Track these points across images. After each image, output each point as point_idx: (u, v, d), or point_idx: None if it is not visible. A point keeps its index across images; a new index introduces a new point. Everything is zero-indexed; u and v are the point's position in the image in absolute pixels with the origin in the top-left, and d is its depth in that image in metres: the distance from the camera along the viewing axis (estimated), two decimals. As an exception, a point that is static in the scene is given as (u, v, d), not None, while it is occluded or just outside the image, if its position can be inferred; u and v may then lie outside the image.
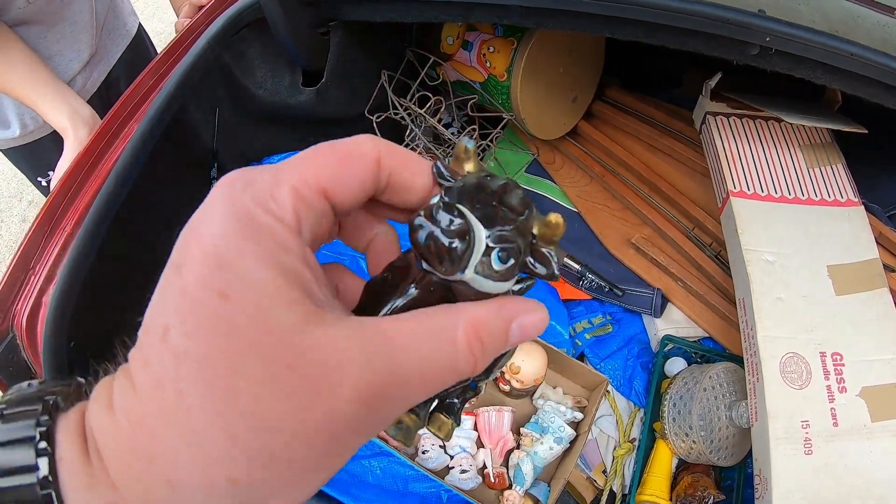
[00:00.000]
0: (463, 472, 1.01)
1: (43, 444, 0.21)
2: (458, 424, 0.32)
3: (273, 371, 0.20)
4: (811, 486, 0.93)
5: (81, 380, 0.24)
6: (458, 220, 0.24)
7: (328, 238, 0.28)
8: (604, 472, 1.08)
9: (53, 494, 0.20)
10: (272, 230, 0.22)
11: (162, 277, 0.22)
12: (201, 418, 0.20)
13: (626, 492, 1.07)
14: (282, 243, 0.22)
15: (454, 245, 0.24)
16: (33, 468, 0.20)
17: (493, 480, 1.02)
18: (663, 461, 1.05)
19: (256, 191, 0.23)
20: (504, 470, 1.04)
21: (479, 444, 1.06)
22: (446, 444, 1.04)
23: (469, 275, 0.25)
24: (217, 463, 0.20)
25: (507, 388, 1.05)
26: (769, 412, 0.96)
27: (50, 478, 0.20)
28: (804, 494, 0.92)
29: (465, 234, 0.24)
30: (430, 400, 0.28)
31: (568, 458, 1.03)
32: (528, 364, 1.00)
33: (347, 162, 0.25)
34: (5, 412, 0.21)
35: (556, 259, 0.27)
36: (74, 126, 1.13)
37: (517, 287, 0.28)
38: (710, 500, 0.99)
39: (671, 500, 1.02)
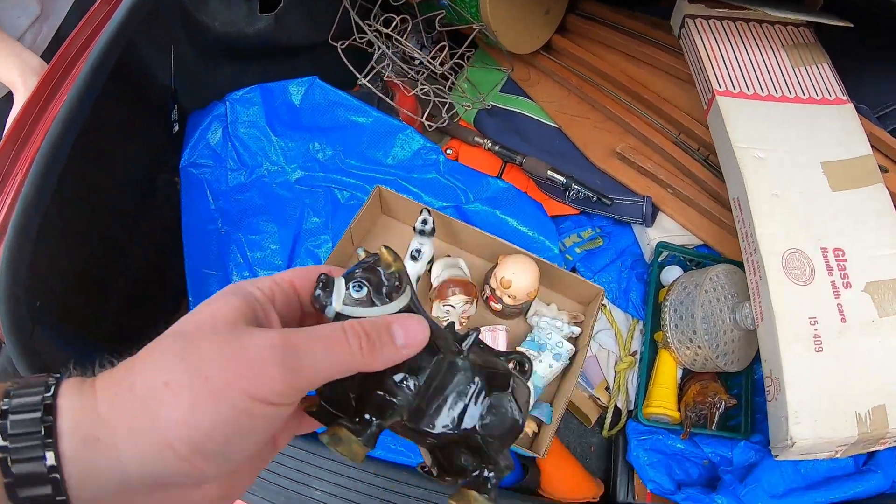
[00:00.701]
0: None
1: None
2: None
3: (216, 353, 0.28)
4: (825, 384, 0.86)
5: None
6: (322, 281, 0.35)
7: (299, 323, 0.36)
8: (606, 388, 0.98)
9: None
10: (249, 292, 0.32)
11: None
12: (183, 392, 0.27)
13: (632, 407, 0.96)
14: (251, 297, 0.32)
15: (318, 293, 0.34)
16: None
17: None
18: (668, 372, 0.95)
19: (250, 282, 0.33)
20: (503, 393, 0.95)
21: None
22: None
23: (338, 307, 0.33)
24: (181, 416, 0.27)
25: (498, 306, 0.93)
26: (776, 310, 0.88)
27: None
28: (818, 393, 0.85)
29: (327, 285, 0.34)
30: (370, 421, 0.33)
31: (569, 375, 0.92)
32: (519, 277, 0.88)
33: (308, 273, 0.35)
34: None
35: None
36: (24, 77, 1.00)
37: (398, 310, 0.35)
38: (721, 406, 0.89)
39: (679, 410, 0.94)
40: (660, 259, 1.01)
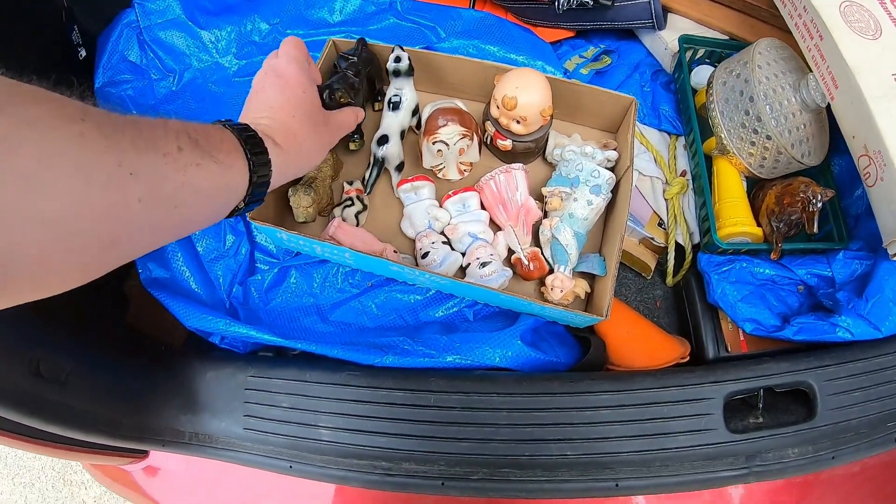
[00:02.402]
0: (483, 265, 0.58)
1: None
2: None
3: (323, 123, 0.52)
4: None
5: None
6: None
7: None
8: (659, 224, 0.67)
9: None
10: (312, 79, 0.52)
11: (271, 87, 0.49)
12: (308, 129, 0.49)
13: (697, 239, 0.66)
14: (314, 81, 0.53)
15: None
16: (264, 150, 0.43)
17: (527, 267, 0.60)
18: (733, 183, 0.65)
19: (299, 64, 0.51)
20: (537, 249, 0.61)
21: (495, 227, 0.64)
22: (451, 236, 0.62)
23: None
24: (312, 138, 0.50)
25: (507, 143, 0.62)
26: (853, 68, 0.61)
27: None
28: None
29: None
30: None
31: (615, 211, 0.62)
32: (526, 91, 0.57)
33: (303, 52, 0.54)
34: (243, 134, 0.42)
35: None
36: None
37: None
38: (818, 200, 0.58)
39: (760, 225, 0.63)
40: (686, 59, 0.71)
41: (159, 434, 0.61)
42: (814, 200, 0.58)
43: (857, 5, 0.64)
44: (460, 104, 0.67)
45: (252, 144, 0.41)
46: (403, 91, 0.64)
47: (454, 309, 0.63)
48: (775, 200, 0.61)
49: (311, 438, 0.57)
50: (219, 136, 0.39)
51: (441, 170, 0.64)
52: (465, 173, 0.64)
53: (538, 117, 0.60)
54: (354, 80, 0.61)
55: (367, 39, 0.72)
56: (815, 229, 0.58)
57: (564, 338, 0.62)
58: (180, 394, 0.62)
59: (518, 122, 0.60)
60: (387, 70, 0.64)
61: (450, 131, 0.58)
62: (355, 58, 0.63)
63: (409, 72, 0.64)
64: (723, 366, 0.56)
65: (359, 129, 0.66)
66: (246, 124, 0.43)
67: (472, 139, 0.60)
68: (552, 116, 0.62)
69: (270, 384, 0.59)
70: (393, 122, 0.63)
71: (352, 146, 0.67)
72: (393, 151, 0.63)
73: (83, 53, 0.78)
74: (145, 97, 0.75)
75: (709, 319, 0.63)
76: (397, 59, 0.64)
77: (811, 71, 0.62)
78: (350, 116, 0.56)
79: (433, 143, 0.59)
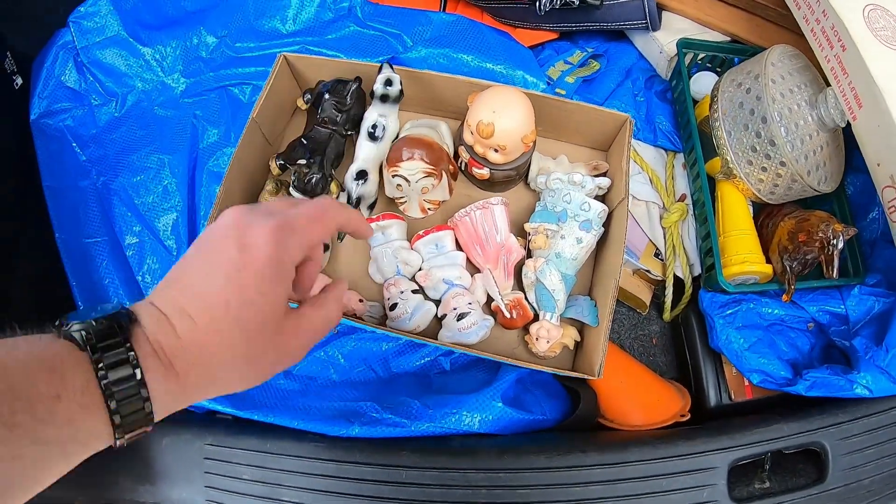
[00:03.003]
0: (461, 316, 0.50)
1: (134, 361, 0.26)
2: None
3: (271, 341, 0.31)
4: None
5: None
6: None
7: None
8: (656, 255, 0.59)
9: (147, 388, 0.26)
10: (289, 272, 0.32)
11: (217, 263, 0.30)
12: (240, 351, 0.30)
13: (697, 272, 0.57)
14: (290, 277, 0.32)
15: None
16: (134, 377, 0.26)
17: (508, 315, 0.52)
18: (739, 212, 0.55)
19: (286, 245, 0.31)
20: (520, 294, 0.53)
21: (473, 268, 0.55)
22: (423, 284, 0.53)
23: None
24: (242, 367, 0.30)
25: (485, 171, 0.53)
26: (880, 84, 0.51)
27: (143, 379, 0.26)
28: None
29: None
30: None
31: (608, 248, 0.53)
32: (503, 115, 0.48)
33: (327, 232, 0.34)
34: (98, 345, 0.26)
35: None
36: None
37: None
38: (840, 241, 0.49)
39: (770, 262, 0.54)
40: (686, 64, 0.60)
41: (118, 508, 0.55)
42: (834, 241, 0.49)
43: (881, 9, 0.53)
44: (444, 128, 0.57)
45: (118, 381, 0.25)
46: (388, 119, 0.54)
47: (428, 358, 0.55)
48: (788, 237, 0.52)
49: (276, 512, 0.50)
50: (54, 386, 0.24)
51: (402, 203, 0.55)
52: (430, 212, 0.55)
53: (519, 144, 0.51)
54: (336, 142, 0.54)
55: (326, 53, 0.62)
56: (835, 274, 0.49)
57: (551, 387, 0.55)
58: (137, 463, 0.55)
59: (496, 150, 0.51)
60: (372, 93, 0.54)
61: (411, 168, 0.49)
62: (348, 97, 0.55)
63: (399, 97, 0.54)
64: (727, 426, 0.49)
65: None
66: (121, 326, 0.27)
67: (438, 178, 0.50)
68: (535, 140, 0.53)
69: (231, 453, 0.51)
70: (371, 154, 0.54)
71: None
72: (371, 189, 0.54)
73: (19, 82, 0.68)
74: (86, 126, 0.66)
75: (710, 363, 0.55)
76: (388, 83, 0.54)
77: (828, 85, 0.52)
78: (320, 324, 0.34)
79: (392, 175, 0.50)
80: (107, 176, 0.63)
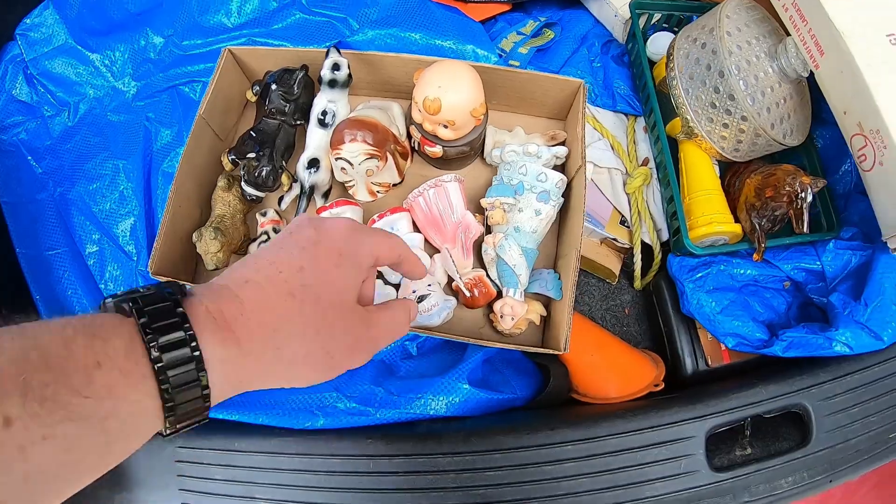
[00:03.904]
0: (421, 299, 0.47)
1: (186, 323, 0.22)
2: None
3: (342, 339, 0.27)
4: None
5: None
6: None
7: None
8: (622, 222, 0.55)
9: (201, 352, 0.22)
10: (361, 263, 0.29)
11: (291, 240, 0.27)
12: (311, 319, 0.26)
13: (666, 236, 0.54)
14: (361, 269, 0.29)
15: None
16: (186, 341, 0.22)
17: (469, 294, 0.48)
18: (704, 171, 0.52)
19: (359, 240, 0.29)
20: (481, 272, 0.49)
21: (432, 249, 0.52)
22: (381, 268, 0.54)
23: None
24: (312, 344, 0.26)
25: (437, 149, 0.49)
26: (841, 29, 0.47)
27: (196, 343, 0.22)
28: None
29: None
30: None
31: (569, 221, 0.50)
32: (450, 89, 0.44)
33: (392, 254, 0.31)
34: (145, 308, 0.22)
35: None
36: None
37: None
38: (807, 192, 0.46)
39: (739, 221, 0.51)
40: (640, 26, 0.56)
41: (97, 517, 0.52)
42: (802, 194, 0.46)
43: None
44: (396, 109, 0.54)
45: (168, 344, 0.22)
46: (337, 104, 0.51)
47: (393, 345, 0.52)
48: (755, 194, 0.49)
49: (250, 511, 0.47)
50: (94, 352, 0.20)
51: (351, 187, 0.51)
52: (379, 195, 0.52)
53: (468, 119, 0.47)
54: (285, 133, 0.51)
55: (272, 43, 0.58)
56: (805, 228, 0.45)
57: (521, 365, 0.51)
58: (113, 471, 0.52)
59: (445, 126, 0.48)
60: (320, 78, 0.51)
61: (353, 150, 0.46)
62: (295, 86, 0.52)
63: (348, 82, 0.51)
64: (703, 392, 0.45)
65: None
66: (170, 293, 0.23)
67: (382, 160, 0.47)
68: (487, 113, 0.49)
69: (201, 455, 0.49)
70: (323, 142, 0.51)
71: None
72: (324, 178, 0.51)
73: (-30, 100, 0.65)
74: (40, 139, 0.63)
75: (684, 330, 0.52)
76: (335, 67, 0.51)
77: (788, 34, 0.48)
78: (392, 323, 0.31)
79: (336, 160, 0.47)
80: (63, 186, 0.61)
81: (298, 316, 0.25)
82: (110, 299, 0.23)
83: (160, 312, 0.22)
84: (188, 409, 0.22)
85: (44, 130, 0.63)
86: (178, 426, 0.23)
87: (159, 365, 0.21)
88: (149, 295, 0.23)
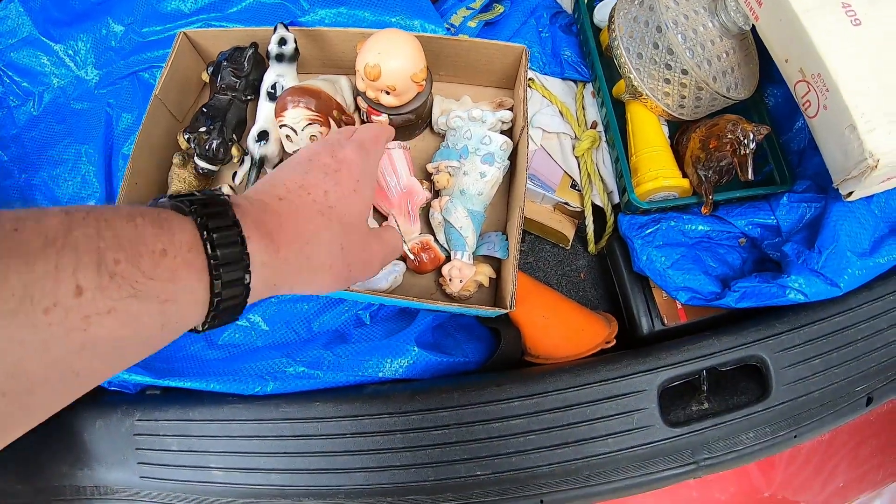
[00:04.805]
0: None
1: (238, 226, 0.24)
2: None
3: (359, 253, 0.31)
4: (884, 69, 0.45)
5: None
6: None
7: None
8: (573, 186, 0.54)
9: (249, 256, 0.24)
10: (374, 182, 0.33)
11: (313, 165, 0.30)
12: (337, 236, 0.29)
13: (617, 198, 0.53)
14: (374, 188, 0.33)
15: None
16: (238, 241, 0.23)
17: (413, 258, 0.48)
18: (650, 129, 0.51)
19: (368, 159, 0.32)
20: (429, 237, 0.48)
21: (381, 217, 0.51)
22: None
23: None
24: (336, 257, 0.29)
25: (382, 117, 0.48)
26: None
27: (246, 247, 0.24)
28: (882, 82, 0.45)
29: None
30: None
31: (515, 180, 0.49)
32: (389, 58, 0.44)
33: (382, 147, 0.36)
34: (203, 210, 0.23)
35: None
36: None
37: None
38: (750, 140, 0.44)
39: (687, 176, 0.50)
40: None
41: (60, 494, 0.51)
42: (745, 141, 0.44)
43: None
44: (343, 82, 0.53)
45: (223, 243, 0.23)
46: (285, 78, 0.51)
47: (348, 314, 0.50)
48: (700, 145, 0.47)
49: (204, 481, 0.46)
50: (161, 240, 0.21)
51: (294, 149, 0.51)
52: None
53: (409, 84, 0.46)
54: (236, 108, 0.51)
55: (227, 26, 0.58)
56: (750, 175, 0.44)
57: (474, 330, 0.50)
58: (73, 447, 0.51)
59: (387, 92, 0.47)
60: (267, 53, 0.51)
61: (295, 115, 0.45)
62: (245, 63, 0.52)
63: (295, 56, 0.51)
64: (655, 348, 0.43)
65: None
66: (223, 199, 0.25)
67: (325, 126, 0.46)
68: (429, 80, 0.48)
69: (158, 426, 0.47)
70: (272, 115, 0.50)
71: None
72: (273, 150, 0.50)
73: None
74: (6, 128, 0.62)
75: (639, 290, 0.50)
76: (282, 42, 0.51)
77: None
78: (395, 242, 0.35)
79: (280, 128, 0.46)
80: (28, 173, 0.60)
81: (327, 231, 0.28)
82: (166, 199, 0.24)
83: (217, 214, 0.23)
84: (228, 305, 0.24)
85: (9, 120, 0.63)
86: (214, 322, 0.24)
87: (215, 261, 0.22)
88: (205, 199, 0.24)
